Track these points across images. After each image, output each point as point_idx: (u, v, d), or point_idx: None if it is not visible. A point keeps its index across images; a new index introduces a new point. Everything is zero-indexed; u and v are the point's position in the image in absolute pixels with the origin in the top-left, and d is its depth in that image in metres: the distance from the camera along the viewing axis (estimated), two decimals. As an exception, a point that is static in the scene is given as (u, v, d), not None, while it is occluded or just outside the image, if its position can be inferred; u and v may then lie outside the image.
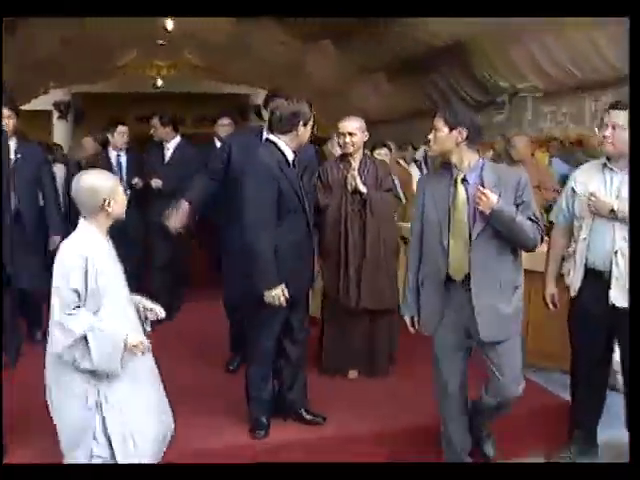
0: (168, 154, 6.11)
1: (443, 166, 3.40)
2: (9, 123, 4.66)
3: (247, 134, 4.75)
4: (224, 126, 6.39)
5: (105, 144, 6.33)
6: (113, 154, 6.12)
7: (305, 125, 3.65)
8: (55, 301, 2.82)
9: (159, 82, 15.02)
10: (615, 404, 3.90)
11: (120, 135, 6.06)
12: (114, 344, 2.83)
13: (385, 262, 4.51)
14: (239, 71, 14.71)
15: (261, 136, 4.30)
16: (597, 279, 3.53)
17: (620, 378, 4.03)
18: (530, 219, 3.24)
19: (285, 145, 3.65)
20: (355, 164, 4.49)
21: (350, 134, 4.43)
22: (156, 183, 5.85)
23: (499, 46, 7.85)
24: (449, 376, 3.45)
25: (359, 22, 8.71)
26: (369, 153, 5.02)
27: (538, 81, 7.84)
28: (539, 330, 4.66)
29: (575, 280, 3.63)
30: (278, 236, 3.54)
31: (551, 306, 3.84)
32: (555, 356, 4.53)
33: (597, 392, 3.76)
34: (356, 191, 4.43)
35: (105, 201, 2.90)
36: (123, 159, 6.12)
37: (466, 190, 3.26)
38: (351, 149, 4.47)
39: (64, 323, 2.79)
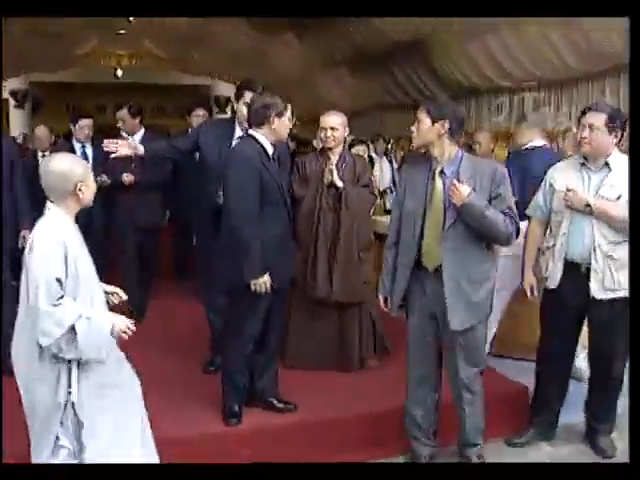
0: None
1: (422, 157, 3.49)
2: None
3: (218, 124, 4.82)
4: (198, 117, 6.39)
5: (68, 135, 6.22)
6: (77, 146, 5.88)
7: (279, 117, 3.68)
8: (38, 292, 2.71)
9: (119, 72, 14.85)
10: (575, 391, 4.07)
11: (83, 128, 5.84)
12: (101, 332, 2.80)
13: (357, 256, 4.56)
14: (200, 62, 14.66)
15: (232, 127, 4.34)
16: (575, 272, 3.68)
17: (582, 367, 4.19)
18: (504, 213, 3.33)
19: (264, 138, 3.69)
20: (334, 158, 4.55)
21: (332, 129, 4.50)
22: (128, 178, 5.52)
23: (459, 41, 7.97)
24: (417, 363, 3.58)
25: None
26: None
27: (497, 78, 7.96)
28: (515, 320, 4.79)
29: (555, 273, 3.76)
30: (261, 228, 3.62)
31: (529, 295, 3.98)
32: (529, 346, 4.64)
33: (563, 379, 3.92)
34: (332, 185, 4.49)
35: (76, 186, 2.86)
36: (89, 150, 5.88)
37: (443, 182, 3.37)
38: (332, 144, 4.52)
39: (53, 314, 2.70)
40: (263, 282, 3.62)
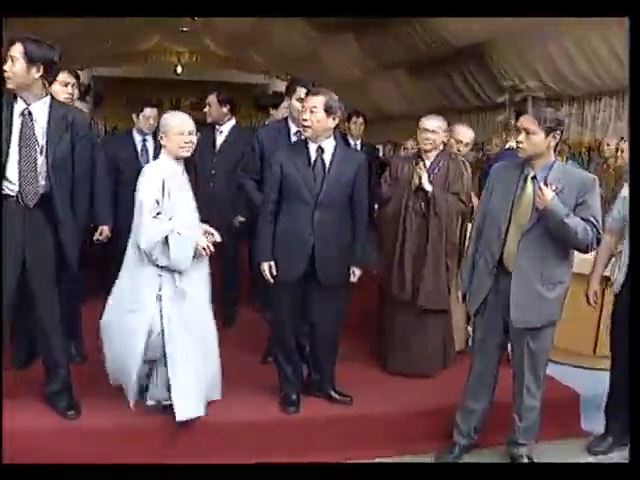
0: (221, 139, 5.41)
1: (514, 162, 3.53)
2: (72, 91, 4.16)
3: (273, 127, 4.70)
4: (147, 118, 5.49)
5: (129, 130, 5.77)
6: (138, 138, 5.46)
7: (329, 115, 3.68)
8: (142, 209, 3.45)
9: (179, 69, 15.10)
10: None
11: (146, 118, 5.39)
12: (188, 245, 3.48)
13: (444, 263, 4.42)
14: (258, 61, 14.83)
15: (287, 126, 4.38)
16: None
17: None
18: (585, 220, 3.31)
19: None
20: (427, 162, 4.42)
21: (432, 132, 4.37)
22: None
23: (518, 47, 7.92)
24: (480, 359, 3.64)
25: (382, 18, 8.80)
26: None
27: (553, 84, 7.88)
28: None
29: (619, 278, 3.77)
30: (280, 219, 3.76)
31: (592, 303, 3.96)
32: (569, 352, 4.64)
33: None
34: (420, 188, 4.36)
35: (160, 135, 3.58)
36: (149, 144, 5.46)
37: (533, 187, 3.39)
38: (429, 147, 4.39)
39: (152, 224, 3.43)
40: (264, 268, 3.76)
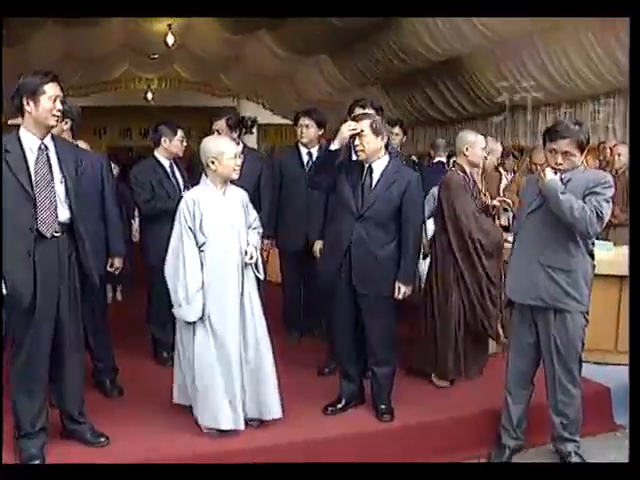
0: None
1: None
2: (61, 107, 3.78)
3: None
4: None
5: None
6: (166, 162, 4.90)
7: None
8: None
9: (149, 96, 15.09)
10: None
11: (182, 140, 4.96)
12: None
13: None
14: (228, 85, 14.90)
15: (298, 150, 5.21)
16: None
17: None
18: (588, 202, 3.38)
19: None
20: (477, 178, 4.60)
21: (483, 148, 4.51)
22: None
23: (492, 60, 8.12)
24: (516, 358, 3.74)
25: (356, 36, 8.95)
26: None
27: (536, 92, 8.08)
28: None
29: None
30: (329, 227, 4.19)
31: None
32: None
33: None
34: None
35: (209, 160, 3.64)
36: (176, 169, 4.99)
37: None
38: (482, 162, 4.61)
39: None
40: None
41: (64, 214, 3.34)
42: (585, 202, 3.37)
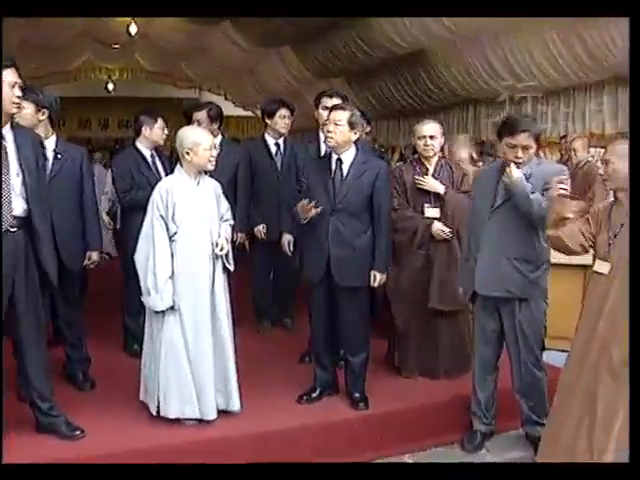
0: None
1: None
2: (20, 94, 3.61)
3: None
4: None
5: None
6: (147, 152, 4.84)
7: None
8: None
9: (110, 86, 14.91)
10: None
11: (163, 129, 4.88)
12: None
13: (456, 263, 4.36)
14: (190, 76, 14.80)
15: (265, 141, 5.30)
16: None
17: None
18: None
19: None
20: (431, 168, 4.43)
21: (431, 137, 4.36)
22: None
23: (455, 54, 8.22)
24: (480, 347, 3.86)
25: (319, 28, 8.96)
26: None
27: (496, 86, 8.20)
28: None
29: None
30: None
31: None
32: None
33: None
34: (431, 193, 4.39)
35: (185, 151, 3.64)
36: (158, 160, 4.91)
37: None
38: (431, 152, 4.39)
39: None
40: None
41: (20, 208, 3.26)
42: (544, 195, 3.49)
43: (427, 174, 4.41)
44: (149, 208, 3.66)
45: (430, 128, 4.37)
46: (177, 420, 3.68)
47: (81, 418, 3.63)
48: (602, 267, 3.22)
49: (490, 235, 3.68)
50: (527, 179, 3.55)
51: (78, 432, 3.54)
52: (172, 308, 3.62)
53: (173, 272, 3.62)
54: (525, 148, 3.54)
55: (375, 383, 4.20)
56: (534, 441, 3.77)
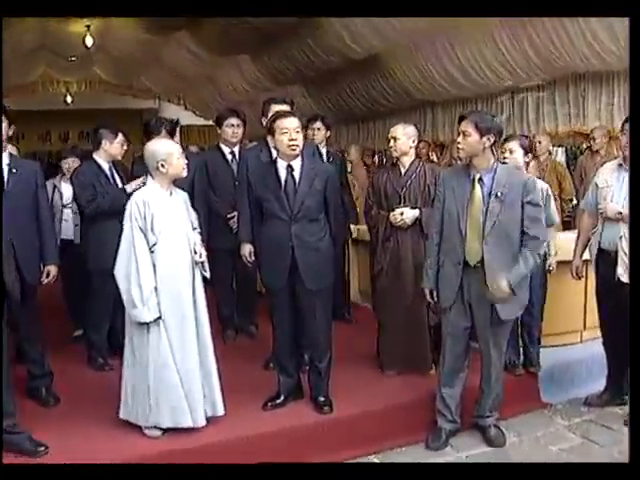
0: None
1: (461, 166, 3.87)
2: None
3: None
4: None
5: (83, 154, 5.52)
6: (105, 165, 4.87)
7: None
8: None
9: (69, 99, 14.76)
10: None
11: (123, 144, 4.93)
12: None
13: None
14: (149, 86, 14.73)
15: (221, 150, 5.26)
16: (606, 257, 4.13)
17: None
18: (533, 218, 3.65)
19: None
20: (403, 169, 4.51)
21: (394, 138, 4.46)
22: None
23: (409, 56, 8.33)
24: (450, 349, 3.91)
25: (276, 36, 9.00)
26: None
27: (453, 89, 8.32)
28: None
29: (593, 252, 4.26)
30: (263, 233, 4.12)
31: (575, 276, 4.40)
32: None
33: (623, 351, 3.95)
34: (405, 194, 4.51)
35: (159, 164, 3.65)
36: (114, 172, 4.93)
37: (481, 188, 3.67)
38: (395, 153, 4.50)
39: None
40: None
41: None
42: (527, 213, 3.63)
43: (400, 175, 4.51)
44: (126, 222, 3.65)
45: (392, 130, 4.50)
46: (140, 431, 3.69)
47: (45, 434, 3.61)
48: None
49: (489, 259, 3.67)
50: (503, 185, 3.63)
51: (42, 448, 3.53)
52: (159, 318, 3.62)
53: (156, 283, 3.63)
54: (464, 134, 3.66)
55: (337, 383, 4.23)
56: (484, 430, 3.97)
